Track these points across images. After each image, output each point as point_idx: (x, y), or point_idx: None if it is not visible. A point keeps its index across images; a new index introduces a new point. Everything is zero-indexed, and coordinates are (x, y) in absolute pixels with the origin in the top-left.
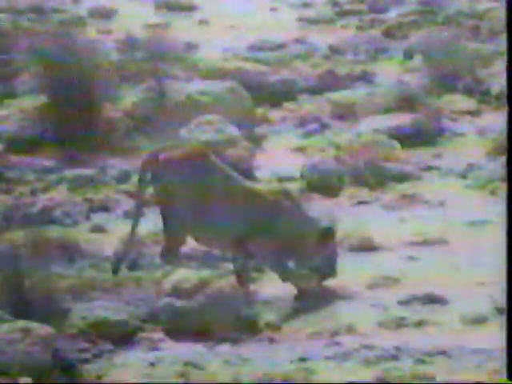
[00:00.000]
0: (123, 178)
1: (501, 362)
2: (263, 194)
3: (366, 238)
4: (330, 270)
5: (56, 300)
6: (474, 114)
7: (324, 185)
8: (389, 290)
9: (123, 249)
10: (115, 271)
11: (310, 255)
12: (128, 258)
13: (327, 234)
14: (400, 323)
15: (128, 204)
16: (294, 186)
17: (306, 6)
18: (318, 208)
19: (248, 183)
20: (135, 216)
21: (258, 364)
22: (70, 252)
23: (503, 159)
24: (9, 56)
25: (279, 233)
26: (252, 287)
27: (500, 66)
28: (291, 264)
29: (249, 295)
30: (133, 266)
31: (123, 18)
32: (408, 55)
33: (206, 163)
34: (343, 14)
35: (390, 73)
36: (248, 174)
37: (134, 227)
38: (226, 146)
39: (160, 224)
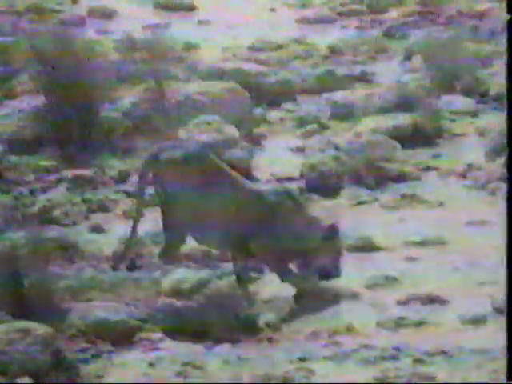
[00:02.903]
0: (122, 178)
1: (501, 362)
2: (265, 194)
3: (365, 238)
4: (333, 270)
5: (55, 300)
6: (473, 114)
7: (323, 185)
8: (389, 290)
9: (123, 249)
10: (115, 268)
11: (313, 255)
12: (128, 258)
13: (331, 233)
14: (399, 323)
15: (127, 204)
16: (293, 186)
17: (305, 6)
18: (318, 208)
19: (250, 183)
20: (135, 216)
21: (257, 364)
22: (69, 252)
23: (503, 159)
24: (9, 56)
25: (281, 233)
26: (252, 287)
27: (500, 66)
28: (294, 265)
29: (248, 295)
30: (132, 267)
31: (122, 17)
32: (408, 55)
33: (209, 164)
34: (343, 13)
35: (389, 73)
36: (248, 174)
37: (134, 227)
38: (225, 146)
39: (159, 224)
